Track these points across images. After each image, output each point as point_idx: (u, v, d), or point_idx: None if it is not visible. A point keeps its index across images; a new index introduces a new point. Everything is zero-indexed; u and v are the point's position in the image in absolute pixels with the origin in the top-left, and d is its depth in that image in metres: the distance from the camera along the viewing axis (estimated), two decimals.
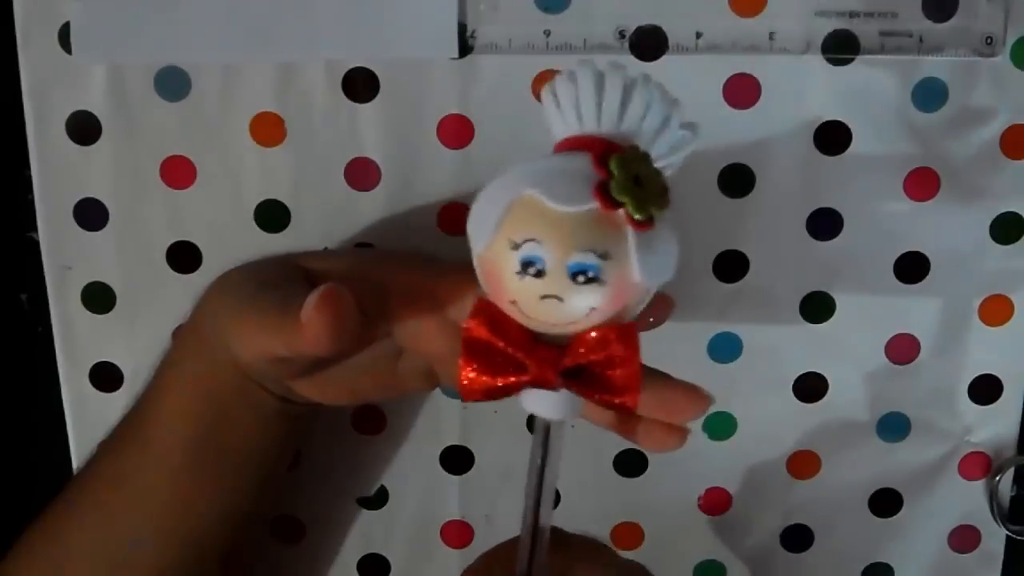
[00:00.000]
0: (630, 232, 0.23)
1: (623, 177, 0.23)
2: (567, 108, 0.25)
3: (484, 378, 0.25)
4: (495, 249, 0.24)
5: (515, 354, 0.25)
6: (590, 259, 0.23)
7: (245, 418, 0.32)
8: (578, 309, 0.24)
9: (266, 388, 0.32)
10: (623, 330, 0.25)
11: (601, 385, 0.25)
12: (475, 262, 0.25)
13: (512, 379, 0.25)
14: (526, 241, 0.23)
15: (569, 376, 0.25)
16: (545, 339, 0.25)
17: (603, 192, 0.23)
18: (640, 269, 0.23)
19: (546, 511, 0.28)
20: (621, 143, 0.24)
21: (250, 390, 0.32)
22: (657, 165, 0.25)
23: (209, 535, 0.34)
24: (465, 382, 0.26)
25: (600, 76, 0.24)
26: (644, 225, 0.23)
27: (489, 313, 0.25)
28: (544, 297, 0.23)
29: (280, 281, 0.31)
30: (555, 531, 0.30)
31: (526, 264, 0.23)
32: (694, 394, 0.29)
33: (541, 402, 0.26)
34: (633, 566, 0.31)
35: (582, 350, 0.25)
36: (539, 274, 0.23)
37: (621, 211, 0.23)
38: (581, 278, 0.23)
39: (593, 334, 0.25)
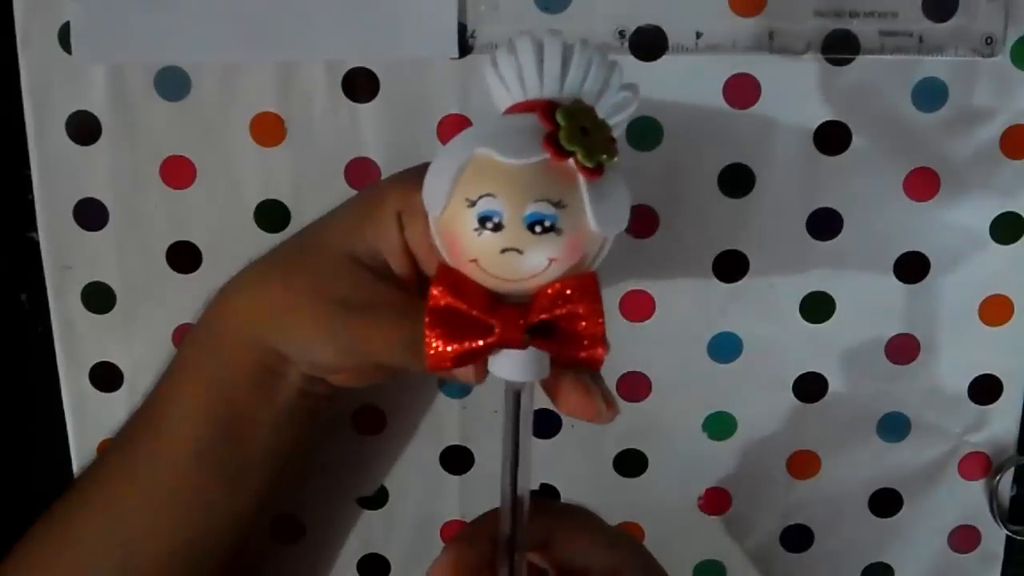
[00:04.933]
0: (582, 180, 0.24)
1: (570, 127, 0.24)
2: (510, 79, 0.25)
3: (451, 345, 0.26)
4: (452, 210, 0.24)
5: (479, 316, 0.25)
6: (545, 208, 0.24)
7: (261, 415, 0.32)
8: (538, 260, 0.24)
9: (289, 381, 0.32)
10: (584, 281, 0.25)
11: (566, 340, 0.26)
12: (432, 229, 0.26)
13: (478, 342, 0.26)
14: (482, 197, 0.24)
15: (534, 333, 0.25)
16: (507, 299, 0.26)
17: (553, 142, 0.24)
18: (594, 216, 0.24)
19: (524, 477, 0.28)
20: (564, 101, 0.25)
21: (269, 384, 0.32)
22: None
23: (217, 534, 0.34)
24: (431, 351, 0.26)
25: (539, 44, 0.25)
26: (594, 173, 0.24)
27: (450, 278, 0.26)
28: (504, 251, 0.24)
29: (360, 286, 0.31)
30: (539, 499, 0.30)
31: (484, 219, 0.24)
32: (591, 402, 0.29)
33: (508, 365, 0.27)
34: (620, 531, 0.31)
35: (545, 304, 0.25)
36: (497, 228, 0.24)
37: (571, 160, 0.24)
38: (538, 228, 0.24)
39: (554, 288, 0.25)
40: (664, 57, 0.37)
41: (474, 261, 0.25)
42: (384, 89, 0.37)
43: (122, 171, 0.39)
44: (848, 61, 0.37)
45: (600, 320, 0.25)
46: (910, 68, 0.37)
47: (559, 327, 0.26)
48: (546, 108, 0.24)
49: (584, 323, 0.25)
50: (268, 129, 0.38)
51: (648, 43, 0.37)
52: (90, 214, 0.39)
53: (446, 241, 0.25)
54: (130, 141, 0.38)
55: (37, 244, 0.40)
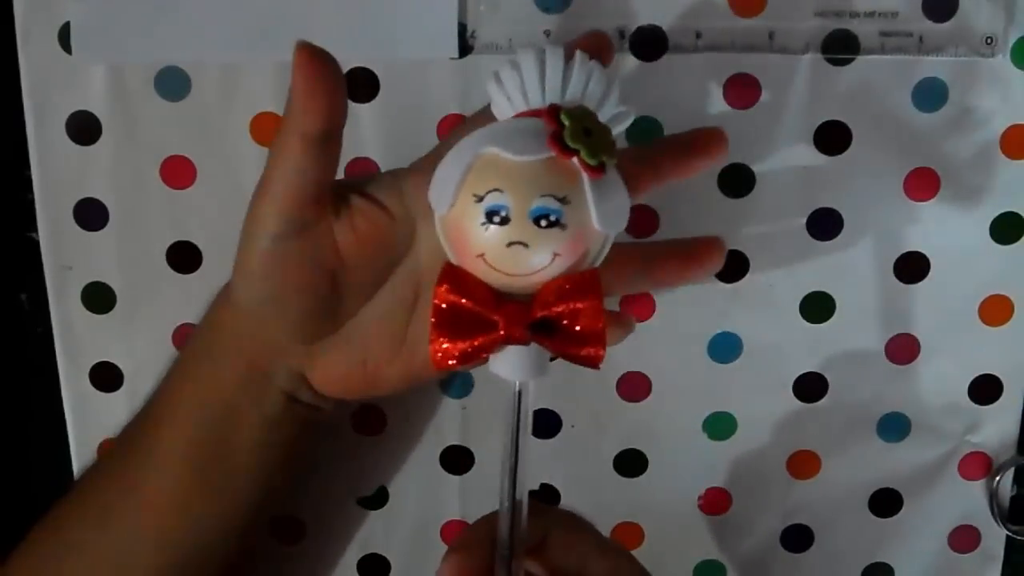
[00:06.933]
0: (585, 178, 0.25)
1: (574, 126, 0.25)
2: (513, 90, 0.26)
3: (457, 344, 0.26)
4: (459, 206, 0.25)
5: (483, 312, 0.26)
6: (551, 203, 0.25)
7: (251, 422, 0.32)
8: (543, 254, 0.25)
9: (276, 386, 0.32)
10: (585, 278, 0.26)
11: (568, 337, 0.26)
12: (438, 228, 0.27)
13: (482, 339, 0.26)
14: (489, 192, 0.25)
15: (536, 331, 0.26)
16: (510, 298, 0.26)
17: (558, 140, 0.25)
18: (596, 213, 0.25)
19: (523, 479, 0.29)
20: (567, 105, 0.26)
21: (259, 390, 0.32)
22: None
23: (212, 540, 0.34)
24: (438, 353, 0.26)
25: (542, 55, 0.26)
26: (597, 171, 0.25)
27: (455, 276, 0.26)
28: (511, 244, 0.25)
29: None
30: (534, 502, 0.30)
31: (491, 213, 0.25)
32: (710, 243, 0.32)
33: (510, 364, 0.27)
34: (613, 540, 0.31)
35: (548, 300, 0.26)
36: (504, 221, 0.25)
37: (575, 159, 0.25)
38: (544, 222, 0.25)
39: (556, 284, 0.26)
40: (664, 57, 0.37)
41: (480, 256, 0.25)
42: (384, 89, 0.37)
43: (122, 171, 0.39)
44: (848, 61, 0.37)
45: (601, 317, 0.26)
46: (910, 68, 0.37)
47: (561, 324, 0.26)
48: (551, 109, 0.25)
49: (585, 320, 0.26)
50: (268, 129, 0.38)
51: (648, 43, 0.37)
52: (90, 214, 0.39)
53: (452, 238, 0.26)
54: (130, 141, 0.38)
55: (37, 244, 0.39)
